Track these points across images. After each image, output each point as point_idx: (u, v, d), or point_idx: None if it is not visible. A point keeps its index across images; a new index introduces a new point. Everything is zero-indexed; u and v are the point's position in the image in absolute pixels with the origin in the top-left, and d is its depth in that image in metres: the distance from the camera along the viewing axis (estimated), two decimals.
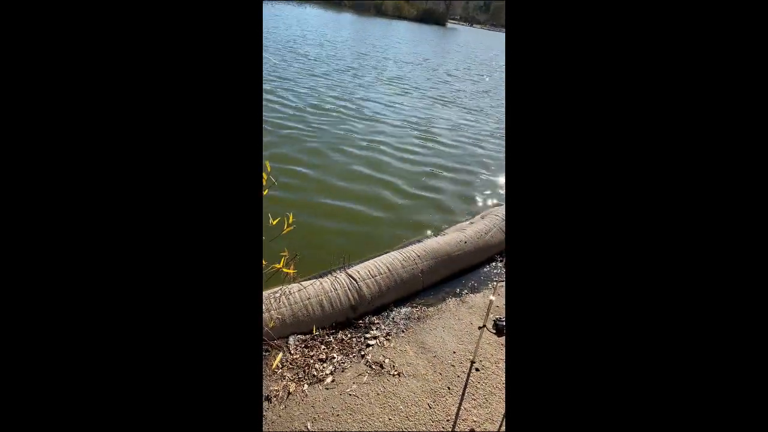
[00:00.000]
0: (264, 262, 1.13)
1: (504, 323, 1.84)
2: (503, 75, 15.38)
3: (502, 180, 4.92)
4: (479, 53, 23.22)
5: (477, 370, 1.98)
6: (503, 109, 9.27)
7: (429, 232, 3.49)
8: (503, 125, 7.71)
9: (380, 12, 53.48)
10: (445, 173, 4.89)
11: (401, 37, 25.13)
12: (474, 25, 73.04)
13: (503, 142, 6.49)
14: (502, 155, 5.93)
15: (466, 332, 2.25)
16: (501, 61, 20.64)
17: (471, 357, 2.02)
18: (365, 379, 1.88)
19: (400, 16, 53.75)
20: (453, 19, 73.22)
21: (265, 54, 9.65)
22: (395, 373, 1.93)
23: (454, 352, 2.09)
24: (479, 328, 1.92)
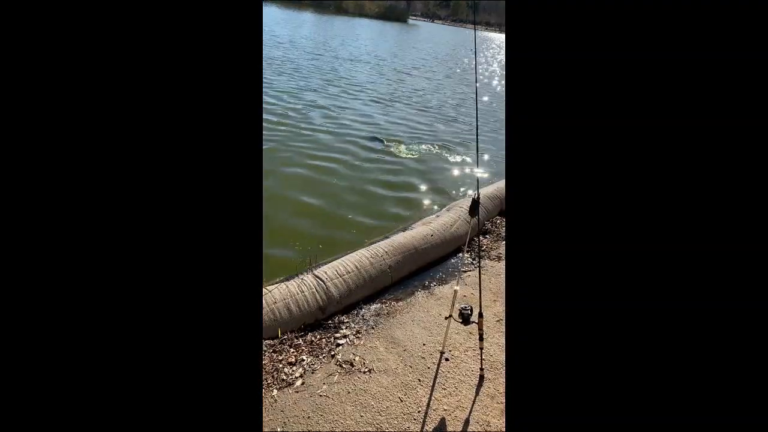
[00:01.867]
0: None
1: (469, 312, 1.88)
2: (461, 72, 15.58)
3: (470, 185, 4.98)
4: (438, 49, 23.48)
5: (447, 359, 2.01)
6: (458, 107, 9.38)
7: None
8: (458, 128, 7.69)
9: (341, 10, 53.13)
10: (390, 179, 4.70)
11: (361, 36, 25.05)
12: (435, 21, 73.84)
13: (460, 148, 6.44)
14: (454, 160, 5.94)
15: (436, 324, 2.27)
16: (459, 55, 20.96)
17: (440, 348, 2.05)
18: (336, 378, 1.87)
19: (361, 13, 53.61)
20: (414, 15, 73.74)
21: None
22: (366, 370, 1.93)
23: (424, 344, 2.11)
24: (446, 318, 1.95)
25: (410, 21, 60.67)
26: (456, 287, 1.98)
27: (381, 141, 5.91)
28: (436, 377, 1.90)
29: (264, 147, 5.04)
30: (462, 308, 1.88)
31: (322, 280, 2.39)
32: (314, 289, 2.32)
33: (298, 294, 2.27)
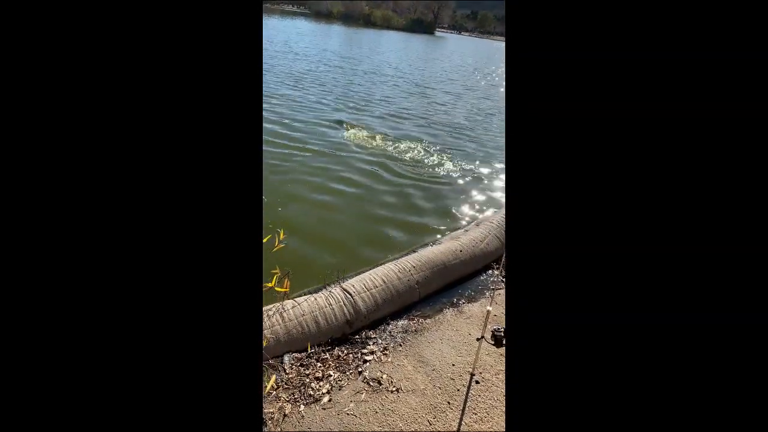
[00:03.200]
0: None
1: (502, 333, 1.81)
2: (485, 84, 15.46)
3: (477, 206, 4.89)
4: (465, 61, 23.46)
5: (477, 382, 1.94)
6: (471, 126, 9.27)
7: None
8: (482, 142, 7.60)
9: (369, 23, 54.10)
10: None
11: (389, 48, 25.35)
12: (462, 33, 74.11)
13: (468, 166, 6.36)
14: (478, 175, 5.86)
15: (465, 343, 2.21)
16: (485, 67, 20.87)
17: (470, 369, 1.99)
18: (363, 396, 1.83)
19: (389, 26, 54.41)
20: (441, 27, 74.27)
21: None
22: (393, 389, 1.88)
23: (453, 365, 2.05)
24: (477, 339, 1.88)
25: (437, 33, 61.12)
26: (488, 307, 1.92)
27: (401, 156, 5.84)
28: (466, 401, 1.84)
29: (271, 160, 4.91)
30: (495, 329, 1.81)
31: (350, 294, 2.37)
32: (342, 303, 2.30)
33: (326, 307, 2.25)
